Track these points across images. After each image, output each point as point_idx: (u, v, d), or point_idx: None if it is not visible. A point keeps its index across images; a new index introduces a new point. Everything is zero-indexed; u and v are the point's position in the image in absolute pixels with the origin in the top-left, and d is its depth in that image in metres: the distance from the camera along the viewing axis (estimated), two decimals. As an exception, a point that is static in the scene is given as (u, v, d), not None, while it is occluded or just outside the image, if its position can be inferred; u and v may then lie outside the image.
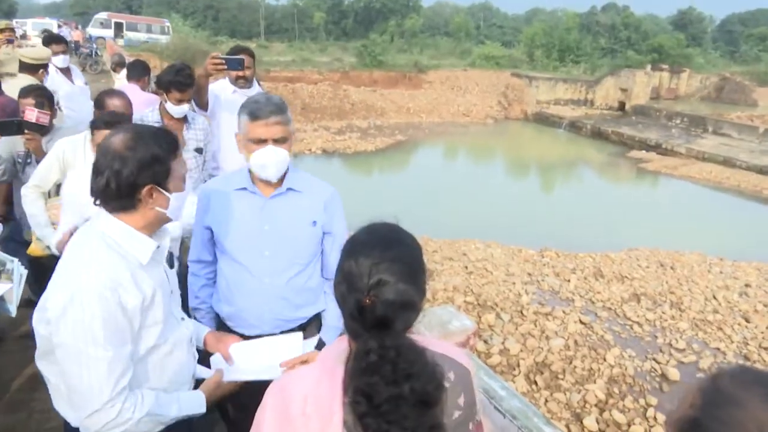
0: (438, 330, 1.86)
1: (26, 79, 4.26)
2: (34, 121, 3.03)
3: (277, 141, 1.92)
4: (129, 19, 31.74)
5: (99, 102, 2.98)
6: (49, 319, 1.39)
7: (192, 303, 2.16)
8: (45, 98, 3.28)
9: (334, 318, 2.18)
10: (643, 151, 19.08)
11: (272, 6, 65.19)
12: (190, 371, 1.69)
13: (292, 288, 2.07)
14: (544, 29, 33.08)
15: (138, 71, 4.85)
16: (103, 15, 31.05)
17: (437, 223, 10.06)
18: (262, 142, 1.91)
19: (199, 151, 3.46)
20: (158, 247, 1.55)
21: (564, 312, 6.54)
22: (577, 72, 29.21)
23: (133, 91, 4.49)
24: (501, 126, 24.18)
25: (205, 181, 3.55)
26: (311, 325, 2.17)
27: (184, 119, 3.43)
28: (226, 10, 58.97)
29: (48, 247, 2.76)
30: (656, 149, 19.00)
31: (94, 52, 19.98)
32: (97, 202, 1.47)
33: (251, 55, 3.69)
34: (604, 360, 5.66)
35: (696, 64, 32.57)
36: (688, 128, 20.61)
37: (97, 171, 1.42)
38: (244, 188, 2.02)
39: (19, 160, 3.21)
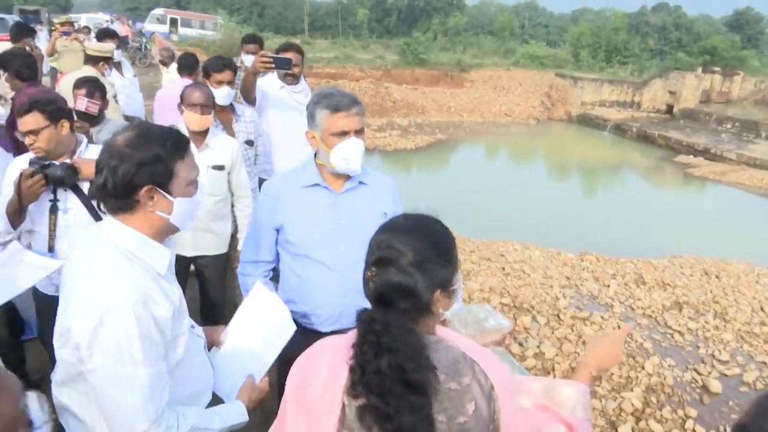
0: (474, 328, 1.87)
1: (89, 71, 4.46)
2: (83, 110, 3.16)
3: (357, 132, 1.96)
4: (184, 15, 32.63)
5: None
6: (77, 344, 1.30)
7: None
8: (96, 89, 3.40)
9: None
10: (691, 156, 18.49)
11: (317, 3, 65.76)
12: (209, 381, 1.64)
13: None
14: (591, 29, 32.41)
15: (189, 65, 4.97)
16: (159, 11, 32.02)
17: (475, 223, 10.00)
18: (344, 134, 1.92)
19: (249, 143, 3.53)
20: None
21: (602, 318, 6.41)
22: (624, 73, 28.51)
23: (184, 84, 4.61)
24: (543, 127, 23.82)
25: (258, 176, 3.63)
26: None
27: (233, 110, 3.50)
28: (271, 6, 59.76)
29: None
30: (704, 154, 18.40)
31: (143, 46, 20.54)
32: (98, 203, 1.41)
33: (300, 52, 3.73)
34: (643, 368, 5.53)
35: (751, 66, 31.39)
36: (740, 133, 19.90)
37: (97, 168, 1.37)
38: (316, 184, 2.02)
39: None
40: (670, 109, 24.07)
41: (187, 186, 1.46)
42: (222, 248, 3.23)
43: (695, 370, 5.66)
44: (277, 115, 3.72)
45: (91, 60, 4.63)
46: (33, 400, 0.66)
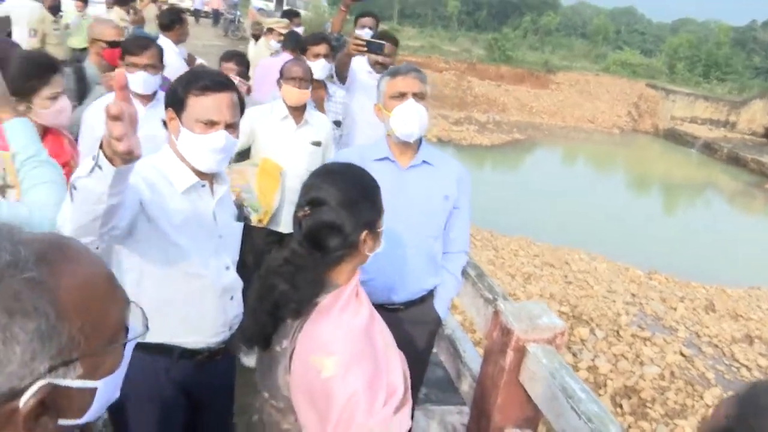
0: (526, 323, 1.89)
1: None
2: None
3: (416, 95, 1.97)
4: None
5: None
6: None
7: None
8: (244, 67, 3.58)
9: (449, 291, 2.24)
10: (786, 184, 17.36)
11: (409, -10, 65.60)
12: (215, 322, 1.70)
13: (422, 259, 2.14)
14: (691, 41, 30.76)
15: (292, 42, 5.06)
16: None
17: (542, 228, 9.82)
18: (402, 96, 1.97)
19: (337, 123, 3.62)
20: (203, 185, 1.67)
21: (665, 340, 6.20)
22: (722, 90, 26.95)
23: (284, 59, 4.76)
24: (627, 137, 22.93)
25: None
26: (429, 298, 2.25)
27: (326, 89, 3.58)
28: (364, -10, 60.04)
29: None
30: (800, 185, 17.24)
31: (237, 19, 21.18)
32: None
33: (395, 43, 3.72)
34: (701, 398, 5.32)
35: None
36: (844, 167, 18.49)
37: None
38: (385, 158, 2.08)
39: None
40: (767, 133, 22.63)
41: (197, 122, 1.58)
42: None
43: (759, 408, 5.40)
44: (361, 99, 3.77)
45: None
46: (135, 312, 0.76)
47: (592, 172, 18.86)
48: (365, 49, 3.40)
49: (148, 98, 2.79)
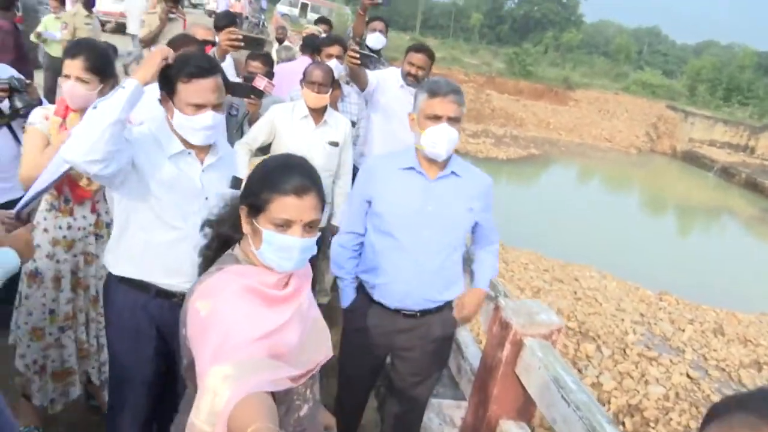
0: (524, 318, 2.01)
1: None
2: (261, 89, 3.38)
3: (451, 119, 2.03)
4: (315, 1, 33.56)
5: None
6: None
7: (337, 272, 2.34)
8: (270, 66, 3.75)
9: (487, 271, 2.35)
10: (803, 213, 17.18)
11: (432, 2, 66.02)
12: (190, 270, 1.75)
13: (441, 269, 2.19)
14: (714, 63, 30.63)
15: (311, 45, 5.25)
16: None
17: (553, 244, 9.81)
18: (437, 118, 2.02)
19: (351, 123, 3.68)
20: (189, 153, 1.90)
21: (671, 361, 6.16)
22: (743, 114, 26.73)
23: (303, 63, 4.89)
24: (644, 158, 22.81)
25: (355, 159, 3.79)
26: (446, 309, 2.31)
27: (340, 89, 3.67)
28: (388, -1, 60.44)
29: None
30: (819, 213, 17.04)
31: (261, 23, 21.43)
32: None
33: (431, 56, 3.72)
34: (705, 422, 5.28)
35: None
36: None
37: None
38: (411, 168, 2.13)
39: (233, 113, 3.56)
40: (787, 160, 22.40)
41: (187, 105, 1.80)
42: (323, 221, 3.45)
43: (763, 433, 5.34)
44: (388, 110, 3.78)
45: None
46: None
47: (606, 191, 18.79)
48: (359, 62, 3.41)
49: None
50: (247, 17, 22.40)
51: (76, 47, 2.22)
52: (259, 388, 1.06)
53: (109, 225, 2.42)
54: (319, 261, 3.85)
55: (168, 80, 1.82)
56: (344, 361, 2.42)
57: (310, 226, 1.31)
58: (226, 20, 4.25)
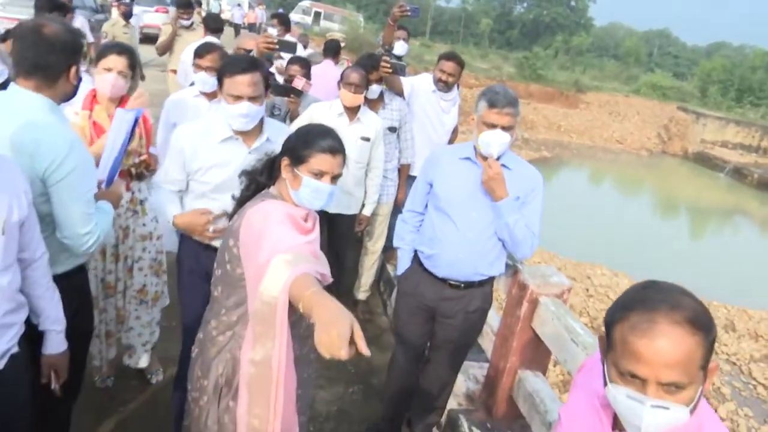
0: (539, 280, 2.40)
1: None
2: (300, 88, 3.76)
3: (505, 128, 2.35)
4: (327, 9, 34.00)
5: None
6: None
7: (397, 243, 2.73)
8: (307, 69, 4.05)
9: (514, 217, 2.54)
10: (816, 213, 17.15)
11: (441, 7, 66.36)
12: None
13: (485, 247, 2.51)
14: (724, 65, 30.52)
15: (333, 49, 5.66)
16: (306, 3, 33.56)
17: (566, 243, 9.93)
18: (493, 126, 2.34)
19: (392, 129, 4.01)
20: (236, 138, 2.27)
21: (682, 354, 6.28)
22: (755, 115, 26.66)
23: (327, 66, 5.38)
24: (656, 160, 22.84)
25: (398, 160, 4.13)
26: (488, 283, 2.65)
27: (381, 98, 3.95)
28: (397, 6, 60.73)
29: None
30: (832, 213, 17.00)
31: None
32: None
33: (461, 64, 4.08)
34: (715, 411, 5.40)
35: None
36: None
37: None
38: (468, 158, 2.48)
39: (276, 112, 3.90)
40: (800, 160, 22.32)
41: (228, 96, 2.19)
42: (356, 209, 3.84)
43: (772, 423, 5.46)
44: (421, 115, 4.20)
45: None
46: None
47: (618, 192, 18.87)
48: (390, 70, 3.75)
49: (212, 95, 3.16)
50: (261, 24, 22.84)
51: (119, 46, 2.64)
52: (308, 271, 1.44)
53: (142, 202, 2.77)
54: (361, 256, 4.28)
55: (220, 75, 2.26)
56: (396, 321, 2.82)
57: (335, 178, 1.75)
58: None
